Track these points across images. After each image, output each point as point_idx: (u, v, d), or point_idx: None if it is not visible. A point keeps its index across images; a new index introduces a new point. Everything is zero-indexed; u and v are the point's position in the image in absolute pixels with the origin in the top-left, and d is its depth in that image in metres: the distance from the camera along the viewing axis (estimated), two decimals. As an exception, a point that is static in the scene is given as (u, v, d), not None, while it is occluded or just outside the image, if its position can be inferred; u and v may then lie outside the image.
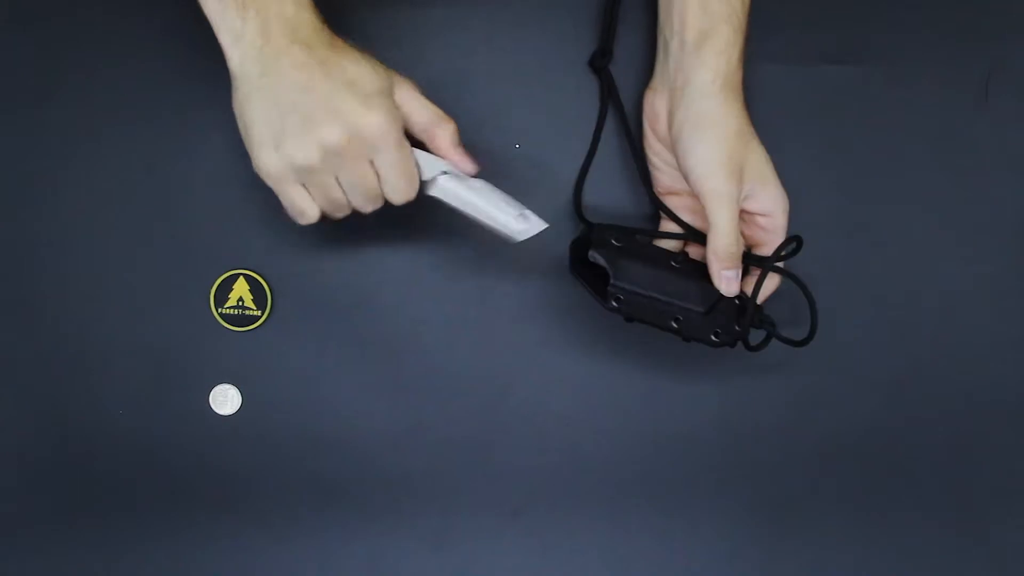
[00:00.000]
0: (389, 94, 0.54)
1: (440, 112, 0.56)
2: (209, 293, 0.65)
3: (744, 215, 0.59)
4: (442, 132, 0.56)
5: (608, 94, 0.65)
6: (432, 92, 0.64)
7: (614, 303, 0.59)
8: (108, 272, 0.65)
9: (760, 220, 0.59)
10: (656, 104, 0.61)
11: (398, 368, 0.66)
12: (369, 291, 0.65)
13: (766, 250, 0.59)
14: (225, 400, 0.66)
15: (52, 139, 0.65)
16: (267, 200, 0.65)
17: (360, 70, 0.53)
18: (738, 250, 0.57)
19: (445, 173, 0.56)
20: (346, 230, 0.57)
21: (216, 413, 0.66)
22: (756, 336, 0.60)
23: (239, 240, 0.65)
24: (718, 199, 0.56)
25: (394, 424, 0.66)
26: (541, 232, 0.56)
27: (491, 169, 0.65)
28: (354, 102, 0.52)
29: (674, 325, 0.59)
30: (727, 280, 0.58)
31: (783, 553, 0.66)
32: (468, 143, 0.65)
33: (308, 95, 0.51)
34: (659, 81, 0.61)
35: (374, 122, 0.52)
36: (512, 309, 0.65)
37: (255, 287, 0.65)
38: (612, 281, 0.59)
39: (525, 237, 0.56)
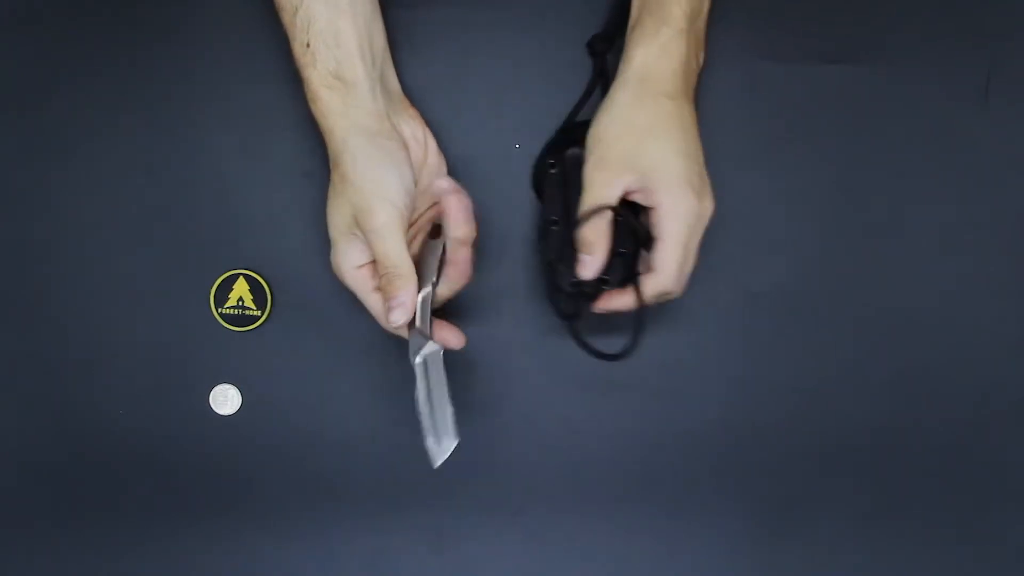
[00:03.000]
0: (346, 234, 0.56)
1: (380, 265, 0.55)
2: (209, 293, 0.65)
3: (643, 207, 0.58)
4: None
5: (599, 75, 0.65)
6: (432, 92, 0.65)
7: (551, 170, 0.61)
8: (108, 272, 0.65)
9: (652, 217, 0.57)
10: None
11: (398, 368, 0.66)
12: (369, 291, 0.65)
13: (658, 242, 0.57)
14: (225, 400, 0.66)
15: (52, 139, 0.65)
16: (267, 200, 0.65)
17: (328, 216, 0.57)
18: (593, 239, 0.56)
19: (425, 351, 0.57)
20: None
21: (216, 413, 0.66)
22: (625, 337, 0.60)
23: (239, 240, 0.65)
24: (586, 181, 0.57)
25: (394, 424, 0.66)
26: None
27: (491, 169, 0.65)
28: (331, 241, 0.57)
29: (547, 235, 0.60)
30: (582, 265, 0.57)
31: (783, 553, 0.66)
32: (468, 144, 0.65)
33: None
34: None
35: (332, 264, 0.58)
36: (512, 308, 0.65)
37: (255, 287, 0.65)
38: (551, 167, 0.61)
39: (434, 462, 0.55)
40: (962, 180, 0.66)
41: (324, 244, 0.65)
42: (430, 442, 0.55)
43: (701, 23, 0.60)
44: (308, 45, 0.56)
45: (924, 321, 0.66)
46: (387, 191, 0.55)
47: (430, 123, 0.63)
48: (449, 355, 0.64)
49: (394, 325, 0.55)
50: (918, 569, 0.66)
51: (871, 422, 0.66)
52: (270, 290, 0.65)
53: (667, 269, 0.57)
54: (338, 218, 0.56)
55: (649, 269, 0.58)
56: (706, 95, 0.64)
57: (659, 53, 0.57)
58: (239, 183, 0.65)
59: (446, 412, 0.56)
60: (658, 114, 0.57)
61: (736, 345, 0.66)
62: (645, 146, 0.56)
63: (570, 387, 0.66)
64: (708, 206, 0.57)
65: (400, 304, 0.55)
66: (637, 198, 0.57)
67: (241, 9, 0.65)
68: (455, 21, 0.65)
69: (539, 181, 0.63)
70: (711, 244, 0.64)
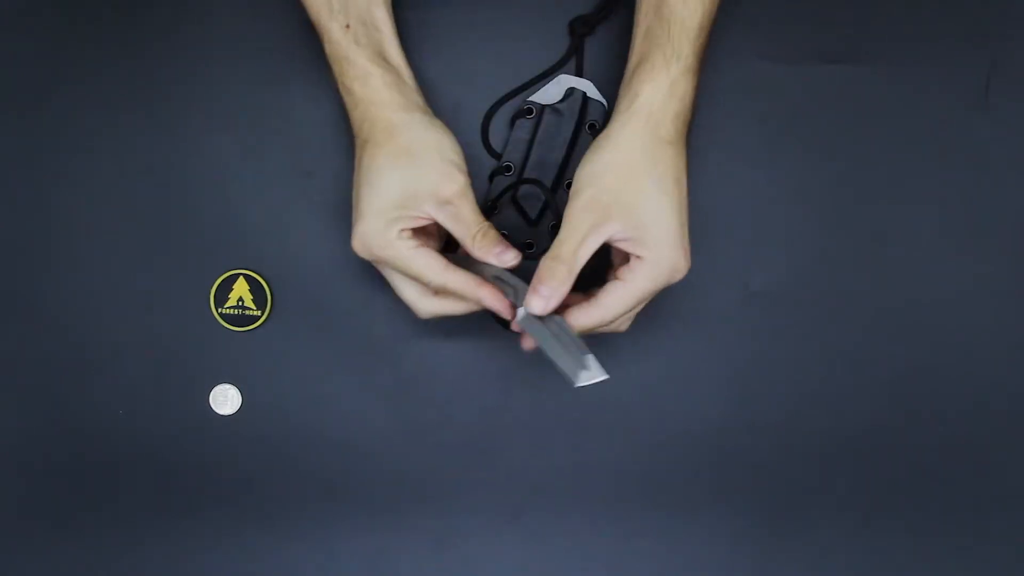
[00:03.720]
0: (397, 204, 0.55)
1: (468, 226, 0.56)
2: (209, 293, 0.65)
3: (623, 254, 0.56)
4: (471, 247, 0.56)
5: (574, 52, 0.65)
6: (432, 93, 0.65)
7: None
8: (108, 272, 0.65)
9: (633, 262, 0.55)
10: None
11: (398, 368, 0.66)
12: (369, 291, 0.65)
13: (619, 284, 0.55)
14: (225, 400, 0.66)
15: (52, 139, 0.65)
16: (267, 200, 0.65)
17: (378, 184, 0.56)
18: (559, 271, 0.54)
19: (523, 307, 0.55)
20: (346, 230, 0.57)
21: (216, 413, 0.66)
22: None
23: (239, 240, 0.65)
24: (569, 219, 0.54)
25: (394, 424, 0.66)
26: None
27: (490, 169, 0.65)
28: (354, 218, 0.57)
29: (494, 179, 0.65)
30: (535, 293, 0.54)
31: (783, 553, 0.66)
32: (467, 145, 0.65)
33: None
34: None
35: (353, 243, 0.57)
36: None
37: (255, 287, 0.65)
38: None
39: (582, 384, 0.54)
40: (962, 180, 0.66)
41: (324, 244, 0.65)
42: (570, 367, 0.54)
43: (701, 59, 0.57)
44: (348, 27, 0.57)
45: (924, 321, 0.66)
46: (459, 159, 0.57)
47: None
48: (446, 358, 0.64)
49: (510, 264, 0.56)
50: (918, 569, 0.66)
51: (871, 422, 0.66)
52: (270, 290, 0.65)
53: (613, 310, 0.55)
54: (397, 186, 0.55)
55: (592, 297, 0.56)
56: (706, 95, 0.64)
57: (667, 93, 0.55)
58: (239, 183, 0.65)
59: (573, 347, 0.54)
60: (658, 162, 0.55)
61: (736, 345, 0.66)
62: (642, 198, 0.54)
63: (570, 387, 0.66)
64: (686, 265, 0.55)
65: (506, 247, 0.56)
66: (620, 245, 0.55)
67: (241, 9, 0.65)
68: (456, 21, 0.65)
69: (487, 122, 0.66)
70: (711, 244, 0.64)
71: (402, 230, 0.55)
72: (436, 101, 0.65)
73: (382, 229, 0.55)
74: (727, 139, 0.65)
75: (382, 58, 0.57)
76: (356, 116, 0.57)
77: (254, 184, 0.66)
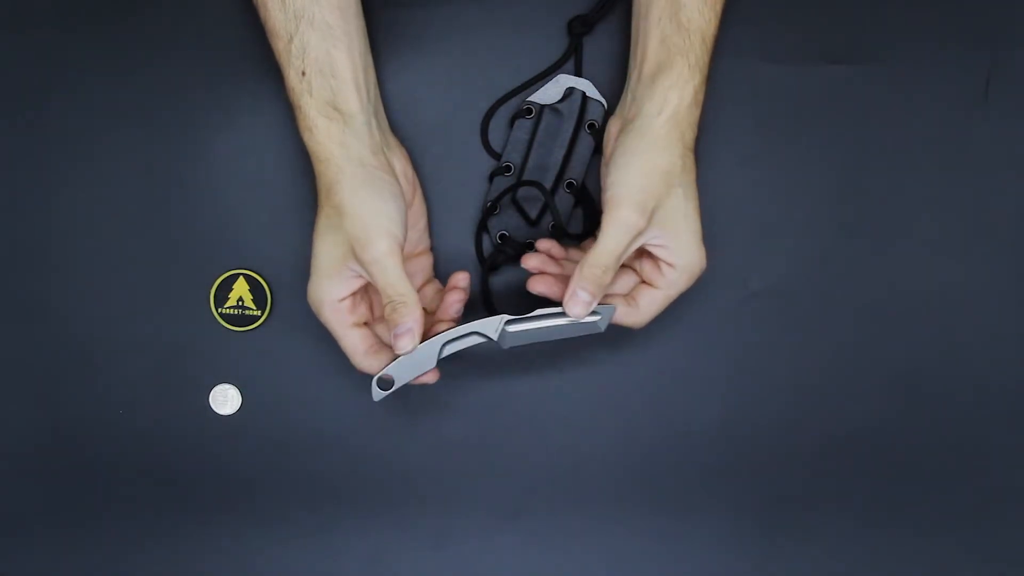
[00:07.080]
0: (336, 267, 0.56)
1: (383, 293, 0.55)
2: (209, 293, 0.65)
3: (650, 256, 0.58)
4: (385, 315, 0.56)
5: (572, 51, 0.65)
6: (433, 92, 0.65)
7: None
8: (108, 272, 0.65)
9: (664, 268, 0.58)
10: (611, 130, 0.61)
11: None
12: (369, 291, 0.65)
13: (656, 291, 0.58)
14: (225, 400, 0.66)
15: (52, 140, 0.65)
16: (267, 200, 0.65)
17: (316, 246, 0.57)
18: (602, 278, 0.55)
19: (508, 323, 0.57)
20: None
21: (216, 413, 0.66)
22: None
23: (239, 240, 0.65)
24: (615, 224, 0.55)
25: (394, 424, 0.66)
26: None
27: (490, 169, 0.65)
28: (311, 272, 0.57)
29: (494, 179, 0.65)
30: (576, 299, 0.55)
31: (783, 553, 0.66)
32: (468, 143, 0.65)
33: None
34: (619, 110, 0.61)
35: (309, 296, 0.57)
36: (512, 308, 0.65)
37: (255, 287, 0.65)
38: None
39: (605, 327, 0.57)
40: (962, 180, 0.66)
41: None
42: (585, 326, 0.57)
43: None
44: (304, 73, 0.56)
45: (924, 321, 0.66)
46: (386, 221, 0.55)
47: (423, 124, 0.63)
48: (445, 357, 0.64)
49: (401, 352, 0.55)
50: (917, 569, 0.66)
51: (870, 422, 0.66)
52: (270, 290, 0.65)
53: (650, 313, 0.58)
54: (330, 250, 0.56)
55: (632, 300, 0.58)
56: (707, 94, 0.64)
57: (692, 102, 0.57)
58: (239, 183, 0.65)
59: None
60: (686, 169, 0.57)
61: (736, 345, 0.66)
62: (678, 204, 0.56)
63: (570, 387, 0.66)
64: (706, 266, 0.58)
65: (407, 331, 0.55)
66: (652, 249, 0.57)
67: (241, 9, 0.65)
68: (456, 21, 0.65)
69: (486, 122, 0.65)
70: (712, 244, 0.64)
71: (341, 299, 0.56)
72: (436, 101, 0.65)
73: (321, 293, 0.56)
74: (727, 139, 0.65)
75: (332, 107, 0.56)
76: (313, 165, 0.58)
77: (254, 184, 0.66)
